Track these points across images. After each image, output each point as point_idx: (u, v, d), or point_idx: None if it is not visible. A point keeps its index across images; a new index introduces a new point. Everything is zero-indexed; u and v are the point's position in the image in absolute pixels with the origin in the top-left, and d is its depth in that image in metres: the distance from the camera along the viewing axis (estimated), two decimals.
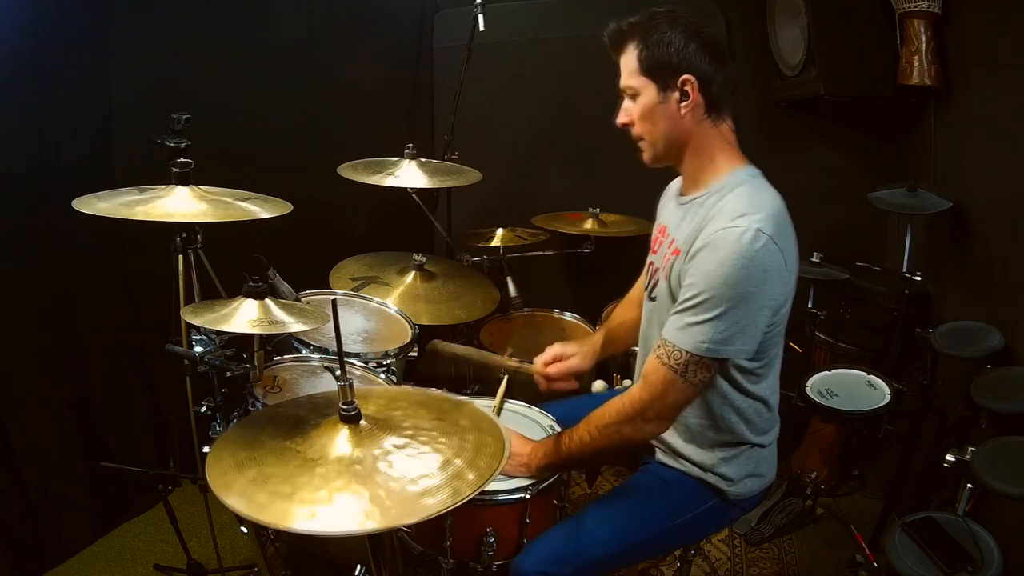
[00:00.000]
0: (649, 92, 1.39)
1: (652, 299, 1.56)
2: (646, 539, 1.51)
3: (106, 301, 2.38)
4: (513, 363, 1.88)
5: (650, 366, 1.38)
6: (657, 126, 1.42)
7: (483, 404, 1.38)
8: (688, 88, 1.36)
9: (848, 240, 2.89)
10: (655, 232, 1.63)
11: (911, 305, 2.36)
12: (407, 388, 1.49)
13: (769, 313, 1.33)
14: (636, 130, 1.46)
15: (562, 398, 1.86)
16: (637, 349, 1.68)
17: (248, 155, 2.60)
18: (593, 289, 2.90)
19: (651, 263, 1.60)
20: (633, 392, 1.41)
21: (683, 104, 1.38)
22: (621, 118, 1.47)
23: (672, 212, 1.55)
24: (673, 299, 1.41)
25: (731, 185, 1.39)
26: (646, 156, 1.48)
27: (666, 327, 1.37)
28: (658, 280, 1.52)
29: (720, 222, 1.32)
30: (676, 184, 1.61)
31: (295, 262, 2.12)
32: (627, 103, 1.45)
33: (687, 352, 1.32)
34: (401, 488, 1.05)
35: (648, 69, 1.38)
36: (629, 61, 1.41)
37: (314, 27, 2.82)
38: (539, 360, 1.84)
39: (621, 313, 1.87)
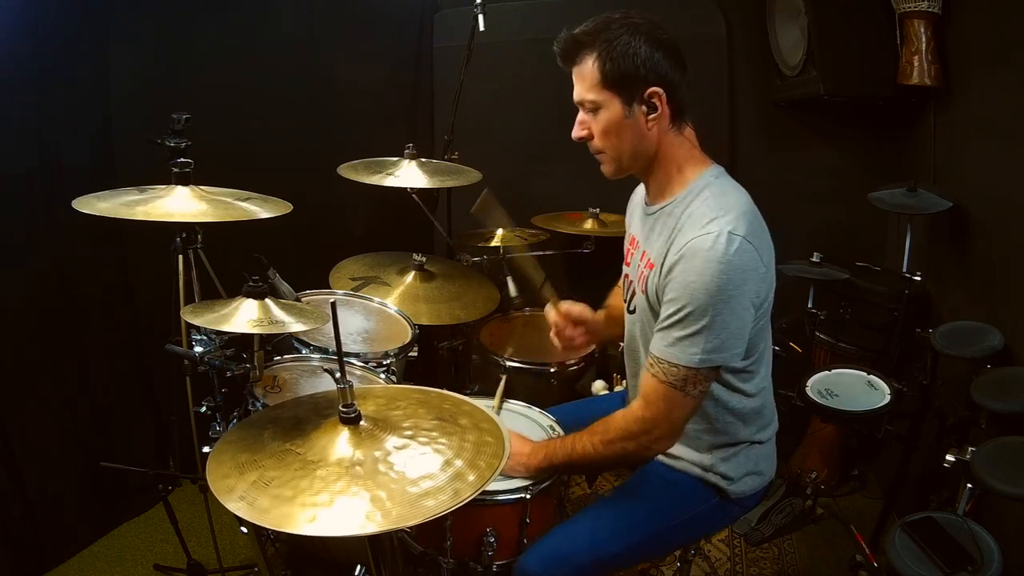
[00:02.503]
0: (613, 106, 1.33)
1: (631, 311, 1.54)
2: (648, 538, 1.50)
3: (106, 301, 2.38)
4: (548, 293, 1.84)
5: (648, 385, 1.36)
6: (623, 140, 1.36)
7: (483, 404, 1.37)
8: (656, 100, 1.31)
9: (848, 240, 2.89)
10: (626, 243, 1.61)
11: (911, 305, 2.36)
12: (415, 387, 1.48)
13: (753, 311, 1.32)
14: (596, 144, 1.39)
15: (565, 400, 1.85)
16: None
17: (248, 155, 2.60)
18: (593, 289, 2.89)
19: (626, 275, 1.58)
20: (635, 412, 1.39)
21: (650, 117, 1.33)
22: (577, 132, 1.39)
23: (640, 222, 1.52)
24: (653, 313, 1.39)
25: (696, 190, 1.37)
26: (607, 170, 1.43)
27: (655, 344, 1.35)
28: (635, 292, 1.50)
29: (691, 231, 1.30)
30: (641, 192, 1.57)
31: (295, 262, 2.12)
32: (584, 116, 1.38)
33: (683, 367, 1.30)
34: (401, 490, 1.05)
35: (612, 82, 1.30)
36: (587, 73, 1.32)
37: (314, 27, 2.82)
38: (552, 313, 1.80)
39: (616, 298, 1.85)
